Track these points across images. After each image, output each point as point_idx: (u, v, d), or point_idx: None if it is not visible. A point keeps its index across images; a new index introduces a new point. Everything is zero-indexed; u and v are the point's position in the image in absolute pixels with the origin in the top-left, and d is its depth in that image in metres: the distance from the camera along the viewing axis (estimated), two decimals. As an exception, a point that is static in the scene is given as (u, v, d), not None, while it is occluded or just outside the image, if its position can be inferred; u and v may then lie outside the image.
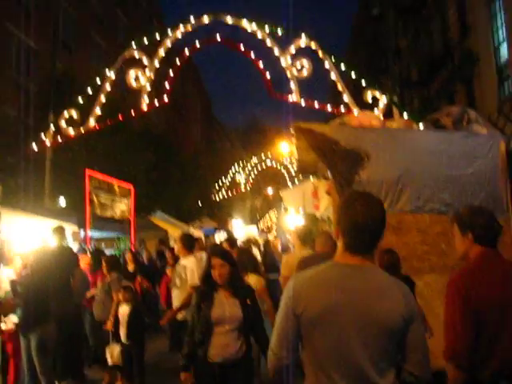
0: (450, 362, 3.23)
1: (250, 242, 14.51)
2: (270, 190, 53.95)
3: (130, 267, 10.88)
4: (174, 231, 18.59)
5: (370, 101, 13.10)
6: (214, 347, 4.75)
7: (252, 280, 6.82)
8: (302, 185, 14.38)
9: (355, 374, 2.49)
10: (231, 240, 10.16)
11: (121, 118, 13.97)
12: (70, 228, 10.81)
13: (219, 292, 4.95)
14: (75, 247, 10.81)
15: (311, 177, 12.18)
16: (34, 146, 13.87)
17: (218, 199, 36.34)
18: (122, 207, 13.63)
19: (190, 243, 7.65)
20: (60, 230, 8.81)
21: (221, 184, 36.61)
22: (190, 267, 7.41)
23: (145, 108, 13.27)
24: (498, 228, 3.48)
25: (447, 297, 3.35)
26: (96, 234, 12.39)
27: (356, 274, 2.61)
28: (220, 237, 24.89)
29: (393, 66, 26.87)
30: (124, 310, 7.58)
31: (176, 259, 12.08)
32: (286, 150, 32.81)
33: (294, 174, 28.75)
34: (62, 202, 17.48)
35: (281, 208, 23.24)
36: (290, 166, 31.06)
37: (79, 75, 18.64)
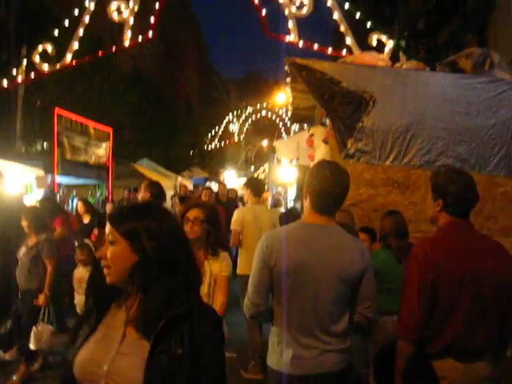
0: (401, 336, 3.15)
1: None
2: (264, 142, 52.83)
3: (85, 219, 9.39)
4: (160, 180, 17.41)
5: (375, 44, 11.93)
6: None
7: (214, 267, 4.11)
8: (297, 135, 13.33)
9: (317, 315, 2.95)
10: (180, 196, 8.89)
11: (100, 54, 12.72)
12: (34, 173, 9.69)
13: (115, 310, 2.06)
14: (40, 194, 9.66)
15: (306, 126, 11.14)
16: (5, 83, 12.67)
17: (210, 149, 35.16)
18: (100, 152, 12.39)
19: (158, 193, 6.12)
20: None
21: (213, 133, 35.40)
22: None
23: (127, 44, 12.04)
24: (473, 198, 3.26)
25: (409, 266, 3.23)
26: (66, 180, 11.16)
27: (322, 232, 3.02)
28: (212, 187, 23.74)
29: (400, 12, 25.33)
30: (81, 274, 6.44)
31: None
32: (282, 100, 31.58)
33: (289, 125, 27.70)
34: (39, 145, 16.28)
35: (273, 160, 22.11)
36: (285, 117, 29.97)
37: (57, 6, 17.14)
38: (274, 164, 20.99)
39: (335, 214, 3.12)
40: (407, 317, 3.10)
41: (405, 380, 3.12)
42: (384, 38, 11.96)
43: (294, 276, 2.92)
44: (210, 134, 35.52)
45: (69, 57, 12.40)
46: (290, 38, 12.08)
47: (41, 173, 9.80)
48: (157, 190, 5.87)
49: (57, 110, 10.21)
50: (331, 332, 2.96)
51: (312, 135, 7.80)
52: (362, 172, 6.46)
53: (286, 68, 6.99)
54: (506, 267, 3.10)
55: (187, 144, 30.39)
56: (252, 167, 53.90)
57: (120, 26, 12.64)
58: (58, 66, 12.44)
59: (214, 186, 28.16)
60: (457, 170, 3.60)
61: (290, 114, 10.45)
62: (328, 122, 7.13)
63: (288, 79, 7.60)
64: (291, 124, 24.95)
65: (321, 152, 7.55)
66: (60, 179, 10.35)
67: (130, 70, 23.44)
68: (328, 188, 2.99)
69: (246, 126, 35.99)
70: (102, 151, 12.41)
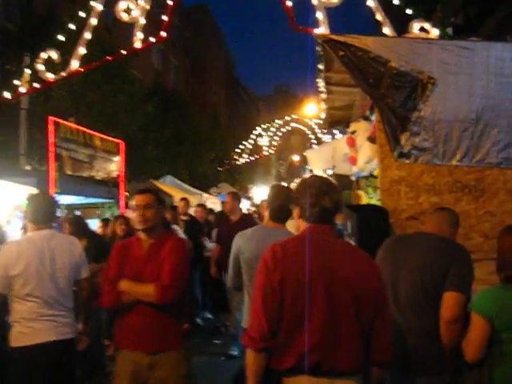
0: (247, 345, 2.82)
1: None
2: (296, 157, 52.06)
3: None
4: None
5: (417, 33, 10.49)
6: None
7: None
8: (332, 142, 11.89)
9: None
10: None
11: (110, 59, 11.50)
12: (26, 192, 8.36)
13: None
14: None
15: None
16: (7, 94, 11.53)
17: (238, 164, 34.03)
18: (110, 166, 11.02)
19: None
20: None
21: (242, 148, 34.28)
22: None
23: (138, 45, 10.78)
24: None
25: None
26: (67, 199, 9.73)
27: (274, 233, 4.16)
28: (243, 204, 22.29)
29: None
30: None
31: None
32: (312, 111, 30.54)
33: (320, 134, 26.44)
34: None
35: (305, 172, 20.67)
36: (316, 129, 28.87)
37: (62, 10, 15.91)
38: (305, 176, 19.50)
39: (285, 222, 4.34)
40: (252, 324, 2.84)
41: None
42: (427, 25, 10.48)
43: (253, 263, 3.93)
44: (238, 149, 34.43)
45: (75, 64, 11.19)
46: (320, 30, 10.70)
47: (34, 191, 8.49)
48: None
49: (52, 118, 8.92)
50: None
51: (353, 132, 6.38)
52: (422, 175, 5.21)
53: (318, 49, 5.65)
54: (367, 274, 2.77)
55: (214, 159, 29.23)
56: (284, 183, 52.74)
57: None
58: (63, 73, 11.23)
59: (246, 203, 26.89)
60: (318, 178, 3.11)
61: (323, 115, 9.05)
62: (374, 115, 5.75)
63: (321, 66, 6.20)
64: (324, 133, 23.72)
65: (365, 153, 6.11)
66: (60, 198, 9.00)
67: (151, 82, 22.27)
68: (274, 205, 4.37)
69: (276, 138, 34.88)
70: (112, 166, 11.08)
